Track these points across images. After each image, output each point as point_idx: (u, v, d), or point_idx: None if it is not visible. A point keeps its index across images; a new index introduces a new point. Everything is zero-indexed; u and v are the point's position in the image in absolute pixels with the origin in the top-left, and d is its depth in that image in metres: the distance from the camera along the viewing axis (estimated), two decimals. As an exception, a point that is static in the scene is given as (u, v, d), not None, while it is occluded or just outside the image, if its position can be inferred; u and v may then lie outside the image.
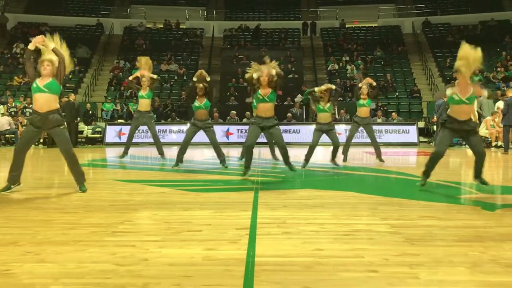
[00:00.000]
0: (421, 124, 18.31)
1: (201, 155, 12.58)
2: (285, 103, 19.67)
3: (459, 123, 5.51)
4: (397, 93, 21.26)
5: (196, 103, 7.93)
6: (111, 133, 17.04)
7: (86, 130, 17.84)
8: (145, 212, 4.29)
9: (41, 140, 16.79)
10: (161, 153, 9.58)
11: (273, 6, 30.10)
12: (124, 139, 16.78)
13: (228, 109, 18.66)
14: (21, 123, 16.86)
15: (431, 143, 16.39)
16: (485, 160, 5.68)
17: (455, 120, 5.53)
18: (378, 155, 9.44)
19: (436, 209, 4.49)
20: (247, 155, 6.83)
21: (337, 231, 3.57)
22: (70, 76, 22.24)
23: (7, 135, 16.58)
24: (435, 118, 14.67)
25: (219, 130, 16.77)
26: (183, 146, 8.10)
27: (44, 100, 5.26)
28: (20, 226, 3.74)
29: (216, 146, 8.13)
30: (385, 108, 19.35)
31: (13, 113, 17.62)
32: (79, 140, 16.26)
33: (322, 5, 29.53)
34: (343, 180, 7.20)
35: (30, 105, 18.41)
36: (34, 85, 5.27)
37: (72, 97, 16.21)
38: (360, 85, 9.40)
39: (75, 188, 5.61)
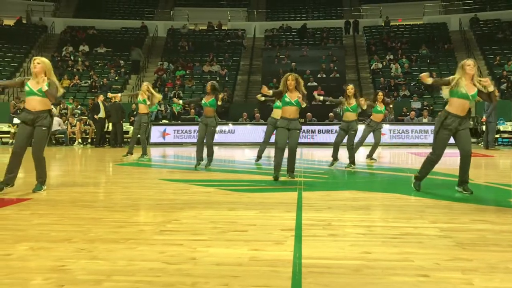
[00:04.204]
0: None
1: (242, 155, 12.66)
2: (327, 103, 19.46)
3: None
4: (443, 92, 20.63)
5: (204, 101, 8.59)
6: (156, 133, 17.39)
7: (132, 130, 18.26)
8: (191, 212, 4.35)
9: (89, 140, 17.37)
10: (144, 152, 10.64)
11: (315, 5, 29.90)
12: (168, 139, 17.22)
13: (270, 110, 18.61)
14: (70, 123, 17.48)
15: (479, 144, 15.83)
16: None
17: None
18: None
19: (488, 212, 4.33)
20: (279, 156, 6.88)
21: (385, 234, 3.50)
22: (116, 78, 22.88)
23: (57, 135, 17.22)
24: (484, 117, 14.16)
25: (260, 131, 16.82)
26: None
27: (37, 102, 5.41)
28: (72, 223, 3.88)
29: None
30: (431, 107, 18.83)
31: (64, 113, 18.27)
32: (125, 140, 16.68)
33: (365, 3, 29.08)
34: (388, 181, 7.06)
35: (78, 107, 19.09)
36: (27, 88, 5.41)
37: (117, 98, 16.65)
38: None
39: (119, 187, 5.75)
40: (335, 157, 8.53)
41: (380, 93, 9.90)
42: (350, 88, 8.35)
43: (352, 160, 8.27)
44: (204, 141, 8.59)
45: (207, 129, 8.52)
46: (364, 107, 8.29)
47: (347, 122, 8.32)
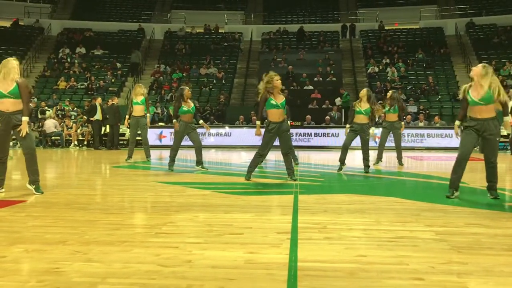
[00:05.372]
0: (465, 128, 17.75)
1: (238, 158, 12.67)
2: (323, 106, 19.53)
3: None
4: (439, 97, 20.73)
5: (185, 107, 8.46)
6: (152, 136, 17.32)
7: (128, 132, 18.25)
8: (187, 214, 4.35)
9: (85, 143, 17.33)
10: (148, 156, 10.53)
11: (312, 9, 29.99)
12: (164, 142, 17.18)
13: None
14: (66, 125, 17.44)
15: (475, 148, 15.89)
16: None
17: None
18: (399, 158, 9.97)
19: (483, 216, 4.35)
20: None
21: (380, 237, 3.51)
22: (113, 80, 22.84)
23: (53, 137, 17.17)
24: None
25: (257, 133, 16.84)
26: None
27: (10, 104, 5.34)
28: (67, 226, 3.86)
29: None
30: (427, 111, 18.90)
31: (60, 115, 18.22)
32: (121, 142, 16.65)
33: (362, 7, 29.19)
34: (384, 185, 7.08)
35: (75, 109, 19.05)
36: None
37: (115, 100, 16.65)
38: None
39: (114, 189, 5.74)
40: (342, 160, 8.36)
41: (389, 93, 10.05)
42: (361, 91, 8.55)
43: (367, 164, 8.30)
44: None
45: (195, 133, 8.70)
46: (378, 114, 8.52)
47: (360, 124, 8.27)
